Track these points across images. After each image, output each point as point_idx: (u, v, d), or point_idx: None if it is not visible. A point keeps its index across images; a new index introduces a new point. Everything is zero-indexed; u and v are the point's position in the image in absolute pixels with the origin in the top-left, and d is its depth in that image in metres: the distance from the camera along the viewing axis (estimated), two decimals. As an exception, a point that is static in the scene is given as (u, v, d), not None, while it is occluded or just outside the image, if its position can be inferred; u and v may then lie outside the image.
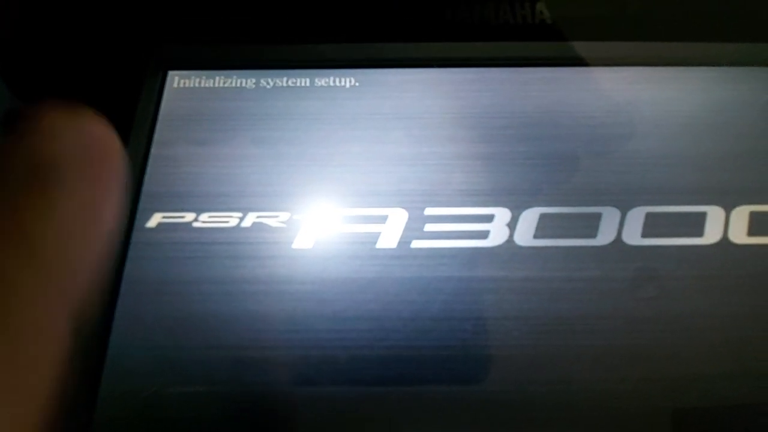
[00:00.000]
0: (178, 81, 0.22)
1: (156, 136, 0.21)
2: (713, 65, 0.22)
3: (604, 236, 0.19)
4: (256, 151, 0.21)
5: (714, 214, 0.19)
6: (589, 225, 0.19)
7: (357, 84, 0.22)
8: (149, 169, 0.21)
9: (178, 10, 0.22)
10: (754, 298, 0.18)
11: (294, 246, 0.19)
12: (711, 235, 0.19)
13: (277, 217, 0.20)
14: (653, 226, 0.19)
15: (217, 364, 0.18)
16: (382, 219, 0.19)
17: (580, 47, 0.22)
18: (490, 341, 0.18)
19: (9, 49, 0.22)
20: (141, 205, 0.20)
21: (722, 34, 0.21)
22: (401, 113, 0.21)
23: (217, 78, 0.22)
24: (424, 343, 0.18)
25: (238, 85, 0.22)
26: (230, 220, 0.20)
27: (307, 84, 0.22)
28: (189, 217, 0.20)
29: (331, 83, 0.22)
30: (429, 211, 0.19)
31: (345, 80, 0.22)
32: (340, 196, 0.20)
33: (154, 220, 0.19)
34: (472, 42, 0.21)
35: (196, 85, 0.22)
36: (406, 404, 0.17)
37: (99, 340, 0.18)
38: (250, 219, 0.20)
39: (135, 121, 0.21)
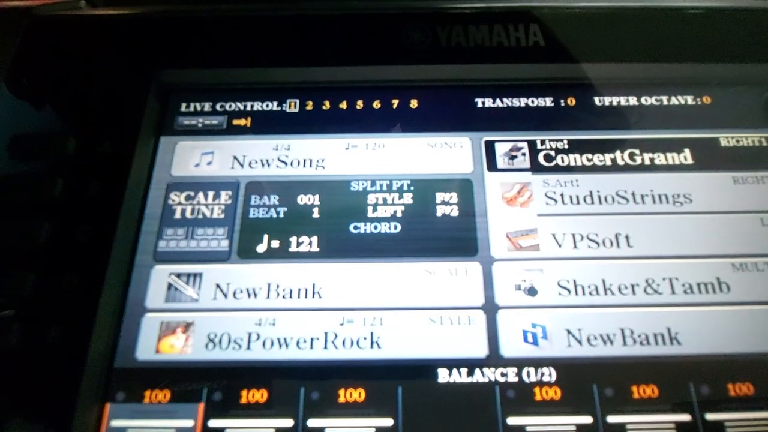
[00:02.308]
0: (182, 106, 0.23)
1: (158, 159, 0.22)
2: (702, 85, 0.22)
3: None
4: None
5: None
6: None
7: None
8: (151, 192, 0.21)
9: (178, 38, 0.22)
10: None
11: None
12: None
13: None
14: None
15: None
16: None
17: (573, 68, 0.22)
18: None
19: (18, 70, 0.22)
20: (144, 227, 0.20)
21: (709, 56, 0.21)
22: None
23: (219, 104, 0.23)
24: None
25: (241, 109, 0.23)
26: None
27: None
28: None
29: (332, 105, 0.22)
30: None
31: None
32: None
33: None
34: (466, 65, 0.22)
35: (198, 109, 0.23)
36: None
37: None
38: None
39: (137, 144, 0.21)
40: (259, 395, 0.18)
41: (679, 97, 0.22)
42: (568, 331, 0.18)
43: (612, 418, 0.17)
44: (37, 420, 0.17)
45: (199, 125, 0.22)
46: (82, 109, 0.22)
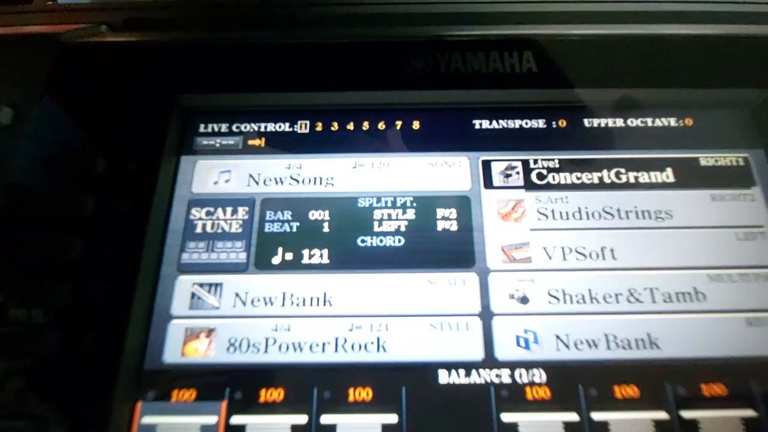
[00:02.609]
0: (201, 127, 0.24)
1: (179, 177, 0.24)
2: (684, 108, 0.24)
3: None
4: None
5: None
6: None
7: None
8: (174, 208, 0.23)
9: (196, 65, 0.24)
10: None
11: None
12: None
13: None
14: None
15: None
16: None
17: (564, 93, 0.24)
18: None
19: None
20: (168, 241, 0.22)
21: (691, 81, 0.23)
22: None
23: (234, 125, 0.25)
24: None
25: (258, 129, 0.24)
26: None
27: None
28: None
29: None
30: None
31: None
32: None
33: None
34: (465, 90, 0.24)
35: (215, 130, 0.24)
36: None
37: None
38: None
39: (161, 163, 0.23)
40: (277, 394, 0.20)
41: (663, 119, 0.24)
42: (557, 337, 0.20)
43: (596, 416, 0.19)
44: (77, 418, 0.19)
45: (217, 145, 0.24)
46: (110, 130, 0.23)
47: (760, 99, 0.23)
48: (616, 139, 0.24)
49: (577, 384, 0.19)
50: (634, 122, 0.24)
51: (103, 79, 0.24)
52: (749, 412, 0.19)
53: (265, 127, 0.24)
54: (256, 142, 0.24)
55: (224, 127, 0.25)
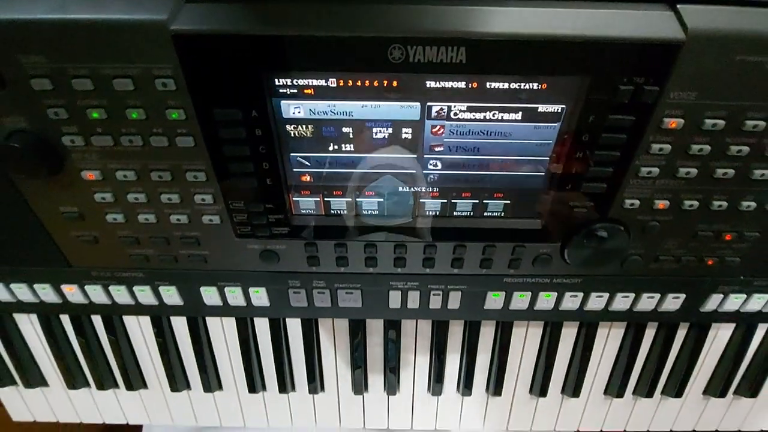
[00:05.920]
0: (276, 81, 0.45)
1: (275, 109, 0.47)
2: (542, 78, 0.43)
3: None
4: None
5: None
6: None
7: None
8: (278, 126, 0.48)
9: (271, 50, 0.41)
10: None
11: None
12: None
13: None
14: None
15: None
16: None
17: (480, 74, 0.42)
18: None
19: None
20: (281, 139, 0.49)
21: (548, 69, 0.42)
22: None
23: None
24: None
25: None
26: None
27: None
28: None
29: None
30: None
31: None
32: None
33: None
34: (424, 73, 0.42)
35: (284, 83, 0.45)
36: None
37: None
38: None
39: (267, 104, 0.46)
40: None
41: (530, 84, 0.44)
42: (444, 176, 0.52)
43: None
44: (271, 205, 0.54)
45: (287, 92, 0.46)
46: (232, 89, 0.44)
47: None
48: (502, 95, 0.45)
49: (452, 185, 0.53)
50: (514, 86, 0.44)
51: (218, 55, 0.42)
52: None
53: (312, 82, 0.45)
54: (309, 91, 0.45)
55: (288, 82, 0.45)
